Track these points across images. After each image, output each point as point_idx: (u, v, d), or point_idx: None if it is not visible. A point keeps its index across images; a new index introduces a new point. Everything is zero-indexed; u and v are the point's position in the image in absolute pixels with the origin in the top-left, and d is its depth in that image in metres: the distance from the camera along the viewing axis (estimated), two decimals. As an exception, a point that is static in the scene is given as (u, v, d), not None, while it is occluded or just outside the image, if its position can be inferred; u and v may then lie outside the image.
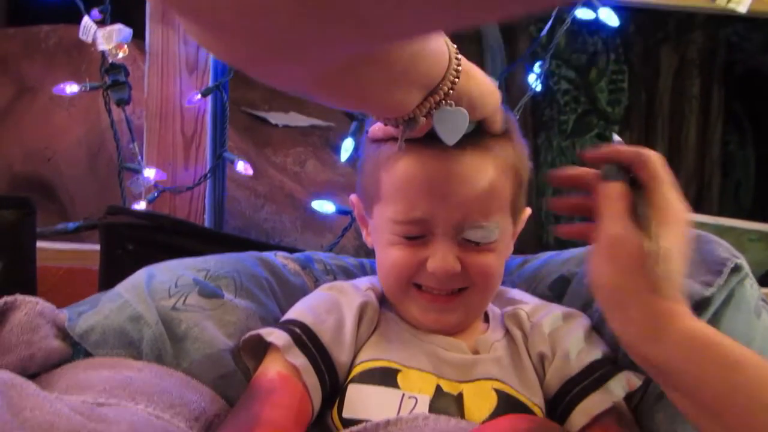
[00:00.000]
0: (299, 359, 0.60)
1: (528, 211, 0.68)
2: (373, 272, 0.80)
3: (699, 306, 0.58)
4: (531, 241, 1.60)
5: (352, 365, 0.63)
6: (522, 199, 0.66)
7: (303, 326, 0.62)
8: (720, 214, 1.48)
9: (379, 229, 0.64)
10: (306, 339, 0.61)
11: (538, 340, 0.64)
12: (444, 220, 0.60)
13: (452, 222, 0.60)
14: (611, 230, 0.51)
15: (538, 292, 0.76)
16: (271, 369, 0.60)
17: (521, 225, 0.68)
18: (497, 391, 0.60)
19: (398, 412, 0.58)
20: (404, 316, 0.66)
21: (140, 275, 0.67)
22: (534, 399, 0.61)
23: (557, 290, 0.75)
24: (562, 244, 0.83)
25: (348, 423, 0.58)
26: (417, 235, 0.61)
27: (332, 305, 0.65)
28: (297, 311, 0.65)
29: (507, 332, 0.67)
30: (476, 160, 0.60)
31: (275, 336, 0.61)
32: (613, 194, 0.52)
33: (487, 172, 0.60)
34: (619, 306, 0.50)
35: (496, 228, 0.61)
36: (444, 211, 0.59)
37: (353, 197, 0.70)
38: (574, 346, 0.63)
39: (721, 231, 1.22)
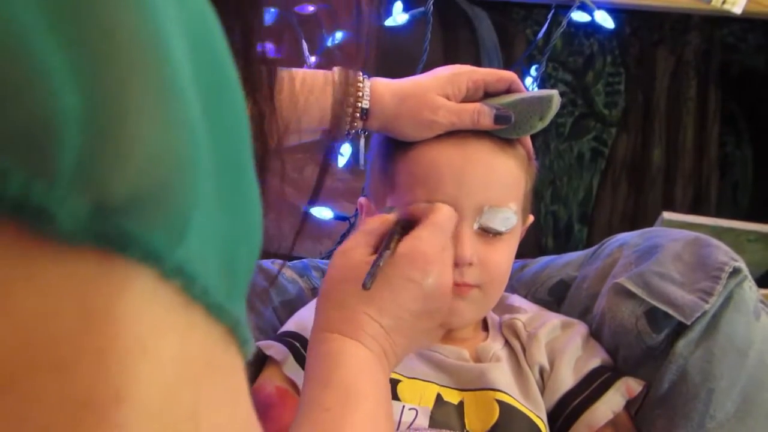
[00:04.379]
0: (299, 374, 0.59)
1: (531, 218, 0.68)
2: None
3: (698, 319, 0.58)
4: (530, 245, 1.60)
5: None
6: (530, 200, 0.66)
7: (303, 340, 0.62)
8: (718, 215, 1.48)
9: None
10: (305, 353, 0.61)
11: (536, 352, 0.64)
12: (464, 205, 0.59)
13: (472, 206, 0.60)
14: (350, 241, 0.52)
15: (537, 296, 0.76)
16: (269, 383, 0.60)
17: (524, 231, 0.68)
18: (500, 402, 0.60)
19: (398, 425, 0.57)
20: None
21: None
22: (537, 412, 0.61)
23: (557, 294, 0.75)
24: (561, 249, 0.83)
25: (348, 434, 0.57)
26: None
27: None
28: (296, 323, 0.65)
29: (506, 342, 0.66)
30: (494, 147, 0.62)
31: (274, 350, 0.60)
32: (377, 218, 0.55)
33: (506, 159, 0.62)
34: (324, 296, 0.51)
35: (515, 215, 0.61)
36: (464, 195, 0.59)
37: (362, 199, 0.69)
38: (571, 355, 0.63)
39: (719, 232, 1.22)
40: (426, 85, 0.62)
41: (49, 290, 0.15)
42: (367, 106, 0.60)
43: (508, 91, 0.65)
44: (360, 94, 0.59)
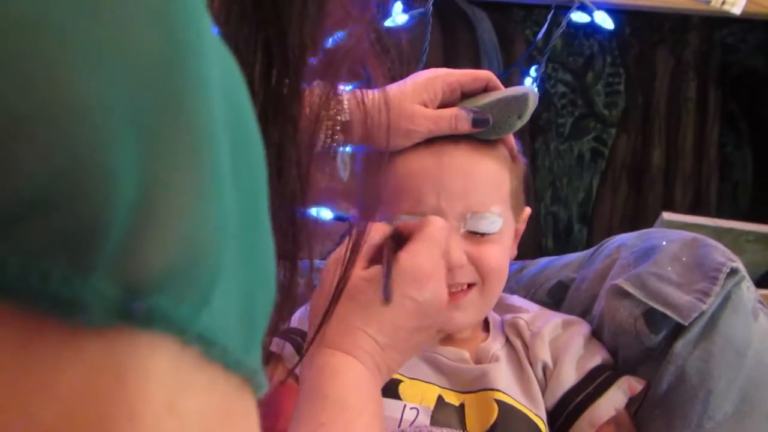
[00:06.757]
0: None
1: (528, 210, 0.68)
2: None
3: (696, 320, 0.58)
4: (530, 246, 1.60)
5: None
6: (521, 196, 0.66)
7: (304, 335, 0.62)
8: (718, 215, 1.48)
9: None
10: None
11: (540, 350, 0.64)
12: (447, 214, 0.60)
13: (454, 213, 0.60)
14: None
15: (536, 298, 0.76)
16: (272, 378, 0.60)
17: (522, 225, 0.68)
18: (498, 402, 0.60)
19: (399, 423, 0.58)
20: None
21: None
22: (536, 411, 0.61)
23: (556, 296, 0.75)
24: (561, 249, 0.83)
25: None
26: None
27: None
28: (298, 320, 0.65)
29: (507, 341, 0.67)
30: (472, 152, 0.62)
31: (276, 345, 0.61)
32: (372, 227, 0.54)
33: (485, 162, 0.62)
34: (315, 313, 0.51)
35: (499, 218, 0.61)
36: (446, 203, 0.60)
37: None
38: (574, 354, 0.63)
39: (719, 233, 1.22)
40: (401, 93, 0.61)
41: (84, 368, 0.16)
42: (347, 119, 0.59)
43: (486, 90, 0.65)
44: (340, 107, 0.59)
